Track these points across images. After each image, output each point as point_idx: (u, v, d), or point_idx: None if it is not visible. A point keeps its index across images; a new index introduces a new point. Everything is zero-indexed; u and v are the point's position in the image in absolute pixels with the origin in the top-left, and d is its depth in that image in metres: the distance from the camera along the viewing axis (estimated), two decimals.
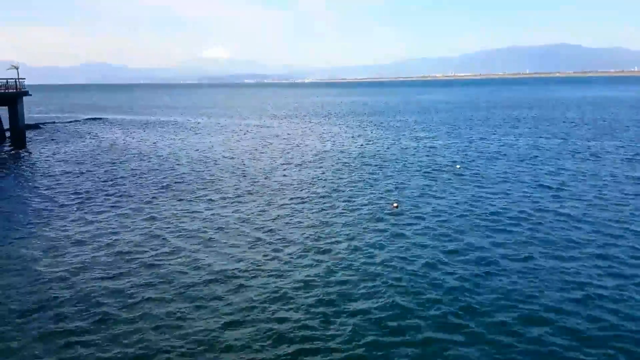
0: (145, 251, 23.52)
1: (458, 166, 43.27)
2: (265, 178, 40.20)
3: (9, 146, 62.04)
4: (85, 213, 30.39)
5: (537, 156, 47.63)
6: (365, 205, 31.17)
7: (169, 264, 21.91)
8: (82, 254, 23.28)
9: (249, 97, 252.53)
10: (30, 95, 68.90)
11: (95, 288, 19.54)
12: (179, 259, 22.44)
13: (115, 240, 25.20)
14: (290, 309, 17.70)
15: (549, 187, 34.60)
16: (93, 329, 16.42)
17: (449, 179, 38.19)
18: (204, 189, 36.53)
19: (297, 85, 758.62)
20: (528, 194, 32.83)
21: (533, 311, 17.15)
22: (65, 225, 27.82)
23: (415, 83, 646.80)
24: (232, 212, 30.01)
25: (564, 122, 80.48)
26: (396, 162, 46.21)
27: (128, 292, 19.21)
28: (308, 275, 20.42)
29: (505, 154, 49.14)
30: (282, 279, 20.14)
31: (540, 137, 62.02)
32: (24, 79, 67.09)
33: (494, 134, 66.57)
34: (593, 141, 56.72)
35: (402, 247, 23.44)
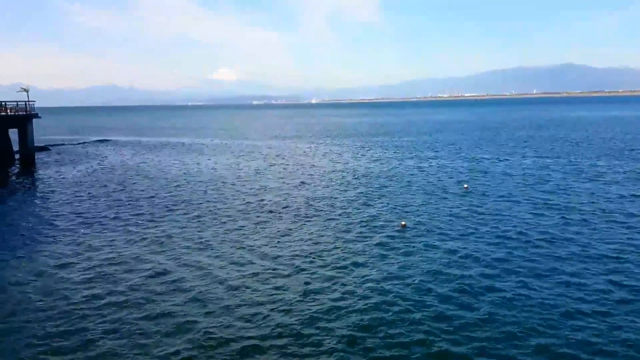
0: (151, 275, 23.46)
1: (465, 185, 43.12)
2: (272, 198, 40.17)
3: (18, 167, 62.45)
4: (93, 235, 30.40)
5: (544, 176, 47.45)
6: (374, 223, 31.07)
7: (176, 289, 21.82)
8: (87, 276, 23.23)
9: (255, 118, 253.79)
10: (40, 117, 69.51)
11: (96, 313, 19.48)
12: (185, 284, 22.37)
13: (121, 262, 25.16)
14: (303, 323, 17.56)
15: (556, 208, 34.38)
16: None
17: (456, 199, 38.07)
18: (210, 208, 36.51)
19: (304, 106, 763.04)
20: (535, 214, 32.63)
21: (540, 327, 16.96)
22: (72, 248, 27.81)
23: (423, 103, 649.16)
24: (239, 232, 29.94)
25: (570, 142, 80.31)
26: (403, 181, 46.15)
27: (130, 320, 19.14)
28: (317, 294, 20.28)
29: (512, 174, 49.00)
30: (290, 294, 20.01)
31: (547, 157, 61.86)
32: (34, 101, 67.84)
33: (501, 153, 66.45)
34: (599, 161, 56.51)
35: (410, 266, 23.27)
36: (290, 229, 30.54)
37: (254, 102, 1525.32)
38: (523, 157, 62.10)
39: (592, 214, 32.35)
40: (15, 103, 65.43)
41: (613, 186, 41.44)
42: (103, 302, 20.13)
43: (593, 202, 35.56)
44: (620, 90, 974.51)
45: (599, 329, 16.98)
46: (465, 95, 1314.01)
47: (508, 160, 59.56)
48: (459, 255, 24.79)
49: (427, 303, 19.32)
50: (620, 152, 64.32)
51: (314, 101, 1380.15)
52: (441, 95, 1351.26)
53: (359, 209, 35.61)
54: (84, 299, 20.41)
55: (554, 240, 26.78)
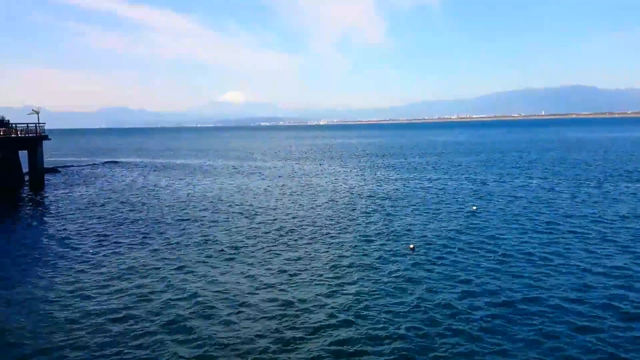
0: (161, 292, 23.34)
1: (474, 207, 42.87)
2: (280, 220, 40.06)
3: (28, 189, 62.70)
4: (101, 257, 30.37)
5: (551, 198, 47.10)
6: (382, 247, 30.86)
7: (185, 309, 21.68)
8: (96, 296, 23.16)
9: (263, 139, 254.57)
10: (50, 139, 69.94)
11: (106, 332, 19.34)
12: (195, 303, 22.22)
13: (129, 283, 25.07)
14: (310, 348, 17.33)
15: (564, 230, 34.11)
16: None
17: (465, 221, 37.78)
18: (217, 230, 36.43)
19: (312, 127, 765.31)
20: (543, 236, 32.37)
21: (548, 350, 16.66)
22: (81, 269, 27.77)
23: (430, 125, 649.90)
24: (248, 253, 29.84)
25: (578, 163, 79.88)
26: (412, 203, 45.92)
27: (143, 337, 18.97)
28: (324, 316, 20.08)
29: (520, 196, 48.66)
30: (299, 319, 19.81)
31: (555, 178, 61.46)
32: (44, 123, 68.33)
33: (508, 175, 66.09)
34: (607, 183, 56.10)
35: (420, 289, 23.05)
36: (297, 253, 30.36)
37: (262, 124, 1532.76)
38: (530, 178, 61.69)
39: (599, 236, 32.04)
40: (26, 125, 65.96)
41: (618, 207, 41.07)
42: (108, 317, 20.07)
43: (599, 224, 35.22)
44: (629, 112, 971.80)
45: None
46: (473, 116, 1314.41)
47: (516, 181, 59.16)
48: (468, 279, 24.53)
49: (438, 332, 19.08)
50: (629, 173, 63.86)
51: (322, 122, 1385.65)
52: (449, 117, 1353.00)
53: (366, 231, 35.39)
54: (91, 317, 20.35)
55: (564, 264, 26.47)
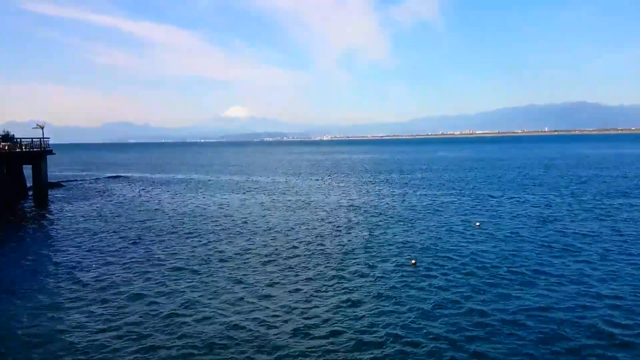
0: (163, 305, 23.33)
1: (477, 223, 42.80)
2: (280, 236, 40.08)
3: (31, 204, 62.89)
4: (102, 270, 30.43)
5: (555, 214, 47.03)
6: (384, 262, 30.82)
7: (190, 323, 21.66)
8: (98, 311, 23.18)
9: (266, 154, 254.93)
10: (54, 154, 70.29)
11: (106, 348, 19.32)
12: (197, 316, 22.20)
13: (129, 297, 25.10)
14: None
15: (565, 247, 34.07)
16: None
17: (467, 236, 37.73)
18: (218, 245, 36.47)
19: (316, 142, 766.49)
20: (545, 253, 32.32)
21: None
22: (80, 282, 27.85)
23: (434, 140, 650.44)
24: (249, 268, 29.85)
25: (581, 180, 79.76)
26: (413, 218, 45.86)
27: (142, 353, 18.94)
28: (326, 332, 20.04)
29: (523, 212, 48.59)
30: (301, 334, 19.77)
31: (558, 195, 61.36)
32: (49, 138, 68.74)
33: (512, 191, 65.97)
34: (609, 199, 56.00)
35: (420, 305, 22.99)
36: (297, 269, 30.35)
37: (266, 139, 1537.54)
38: (534, 194, 61.60)
39: (603, 252, 31.97)
40: (30, 140, 66.37)
41: (620, 224, 40.97)
42: (110, 334, 20.05)
43: (600, 241, 35.14)
44: (633, 128, 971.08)
45: None
46: (477, 132, 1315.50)
47: (520, 197, 59.07)
48: (470, 295, 24.48)
49: (440, 348, 19.02)
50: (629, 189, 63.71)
51: (325, 138, 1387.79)
52: (453, 133, 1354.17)
53: (368, 246, 35.37)
54: (90, 333, 20.34)
55: (566, 281, 26.40)
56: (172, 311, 23.03)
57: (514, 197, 59.26)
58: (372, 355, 18.30)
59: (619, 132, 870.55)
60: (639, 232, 38.05)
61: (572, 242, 34.97)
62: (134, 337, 20.28)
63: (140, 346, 19.43)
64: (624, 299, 23.33)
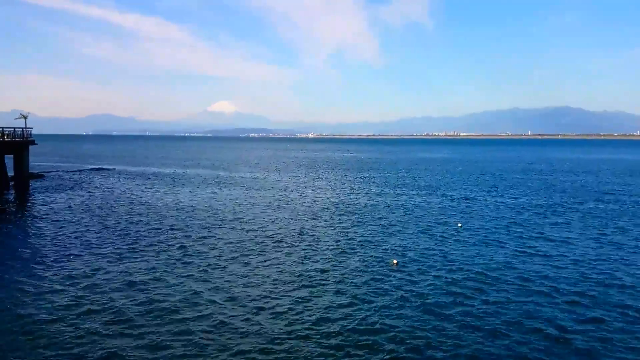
0: (141, 301, 23.28)
1: (460, 224, 43.12)
2: (260, 233, 40.07)
3: (12, 193, 62.22)
4: (80, 263, 30.21)
5: (537, 216, 47.54)
6: (365, 262, 30.95)
7: (166, 319, 21.65)
8: (70, 302, 23.07)
9: (250, 150, 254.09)
10: (36, 144, 69.59)
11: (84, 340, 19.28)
12: (174, 305, 22.20)
13: (105, 289, 24.99)
14: None
15: (544, 251, 34.49)
16: None
17: (449, 237, 38.00)
18: (197, 239, 36.41)
19: (301, 140, 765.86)
20: (525, 255, 32.70)
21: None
22: (58, 274, 27.62)
23: (419, 141, 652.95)
24: (229, 265, 29.83)
25: (561, 183, 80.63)
26: (396, 218, 46.07)
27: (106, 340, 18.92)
28: (304, 334, 20.14)
29: (505, 214, 49.05)
30: (278, 336, 19.85)
31: (539, 197, 62.00)
32: (31, 128, 68.03)
33: (495, 192, 66.52)
34: (589, 203, 56.72)
35: (402, 306, 23.15)
36: (277, 267, 30.40)
37: (252, 135, 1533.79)
38: (516, 197, 62.17)
39: (580, 256, 32.42)
40: (13, 129, 65.63)
41: (591, 228, 41.58)
42: (84, 327, 19.97)
43: (579, 245, 35.64)
44: (616, 134, 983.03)
45: None
46: (461, 134, 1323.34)
47: (502, 199, 59.60)
48: (451, 296, 24.71)
49: (419, 348, 19.20)
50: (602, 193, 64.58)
51: (311, 135, 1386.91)
52: (437, 134, 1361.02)
53: (350, 245, 35.49)
54: (66, 325, 20.25)
55: (545, 282, 26.73)
56: (150, 299, 23.00)
57: (496, 199, 59.73)
58: (346, 352, 18.44)
59: (601, 137, 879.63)
60: (609, 236, 38.65)
61: (549, 245, 35.42)
62: (114, 326, 20.23)
63: (120, 341, 19.39)
64: (595, 299, 23.71)
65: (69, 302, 23.36)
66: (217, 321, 21.28)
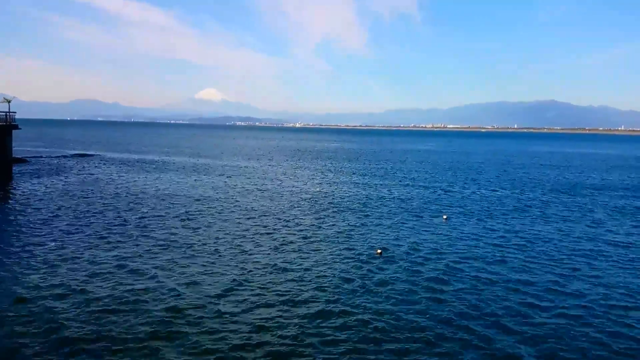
0: (122, 286, 23.22)
1: (445, 217, 43.37)
2: (247, 220, 40.09)
3: None
4: (61, 248, 30.06)
5: (521, 208, 48.06)
6: (350, 251, 31.08)
7: (146, 302, 21.61)
8: (49, 288, 22.96)
9: (236, 139, 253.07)
10: (20, 128, 68.75)
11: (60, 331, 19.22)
12: (156, 294, 22.16)
13: (89, 278, 24.89)
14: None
15: (524, 240, 34.90)
16: None
17: (434, 229, 38.26)
18: (178, 227, 36.37)
19: (288, 129, 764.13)
20: (509, 246, 33.06)
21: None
22: (39, 259, 27.47)
23: (406, 132, 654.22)
24: (208, 249, 29.84)
25: (543, 177, 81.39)
26: (381, 209, 46.26)
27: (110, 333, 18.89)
28: (287, 322, 20.21)
29: (490, 207, 49.50)
30: (262, 325, 19.91)
31: (521, 190, 62.57)
32: (15, 112, 67.08)
33: (480, 185, 67.01)
34: (568, 195, 57.36)
35: (385, 294, 23.30)
36: (261, 256, 30.44)
37: (238, 123, 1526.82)
38: (501, 189, 62.71)
39: (561, 250, 32.83)
40: None
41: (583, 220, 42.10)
42: (66, 314, 19.90)
43: (564, 237, 36.08)
44: (600, 129, 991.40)
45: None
46: (448, 126, 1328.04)
47: (486, 191, 60.08)
48: (433, 286, 24.90)
49: (399, 333, 19.35)
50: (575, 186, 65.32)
51: (298, 125, 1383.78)
52: (424, 126, 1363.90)
53: (334, 234, 35.61)
54: (46, 309, 20.18)
55: (525, 272, 27.06)
56: (130, 286, 22.95)
57: (480, 191, 60.19)
58: (329, 340, 18.54)
59: (586, 132, 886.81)
60: (583, 228, 39.18)
61: (532, 234, 35.86)
62: (96, 314, 20.18)
63: (99, 326, 19.36)
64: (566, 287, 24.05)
65: (42, 284, 23.25)
66: (193, 306, 21.32)
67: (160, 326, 19.48)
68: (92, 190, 54.15)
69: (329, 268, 27.43)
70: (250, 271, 26.62)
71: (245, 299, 22.48)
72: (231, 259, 28.93)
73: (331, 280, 25.31)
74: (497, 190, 61.87)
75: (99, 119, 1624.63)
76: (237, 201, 49.40)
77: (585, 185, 69.94)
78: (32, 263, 27.06)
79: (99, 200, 47.54)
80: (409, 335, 19.19)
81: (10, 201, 46.56)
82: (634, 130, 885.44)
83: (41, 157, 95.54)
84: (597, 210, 48.63)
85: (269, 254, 30.23)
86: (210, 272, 26.38)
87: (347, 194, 55.83)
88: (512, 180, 74.12)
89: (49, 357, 16.94)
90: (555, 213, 46.49)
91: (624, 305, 22.82)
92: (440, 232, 37.06)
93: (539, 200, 54.00)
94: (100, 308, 21.06)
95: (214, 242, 32.58)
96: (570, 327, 20.34)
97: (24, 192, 51.71)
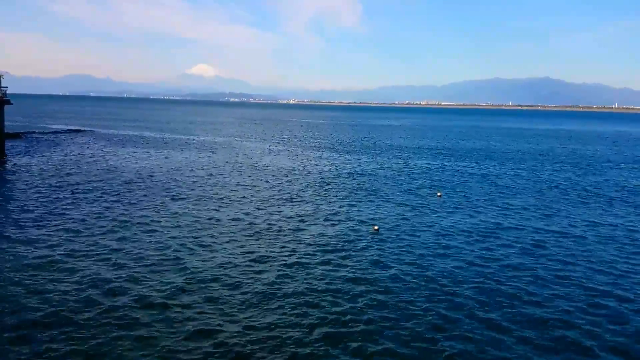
0: (105, 265, 23.19)
1: (439, 194, 43.43)
2: (242, 197, 40.08)
3: None
4: (55, 224, 29.98)
5: (512, 186, 48.23)
6: (347, 227, 31.18)
7: (128, 281, 21.61)
8: (41, 262, 22.92)
9: (229, 115, 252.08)
10: (12, 104, 68.08)
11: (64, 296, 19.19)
12: (144, 268, 22.15)
13: (78, 253, 24.85)
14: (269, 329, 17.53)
15: (515, 214, 35.07)
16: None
17: (429, 205, 38.40)
18: (170, 203, 36.32)
19: (282, 105, 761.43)
20: (503, 227, 33.20)
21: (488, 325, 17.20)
22: (36, 237, 27.39)
23: (400, 109, 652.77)
24: (210, 227, 29.84)
25: (532, 154, 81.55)
26: (377, 185, 46.34)
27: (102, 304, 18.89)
28: (285, 300, 20.27)
29: (484, 183, 49.64)
30: (260, 300, 19.96)
31: (516, 167, 62.74)
32: (7, 87, 66.30)
33: (473, 162, 67.14)
34: (566, 173, 57.55)
35: (382, 270, 23.39)
36: (260, 233, 30.47)
37: (232, 99, 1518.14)
38: (493, 166, 62.88)
39: (555, 229, 33.01)
40: None
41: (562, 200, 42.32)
42: (55, 288, 19.87)
43: (555, 214, 36.28)
44: (594, 107, 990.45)
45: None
46: (442, 103, 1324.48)
47: (481, 168, 60.22)
48: (429, 261, 25.02)
49: (392, 307, 19.44)
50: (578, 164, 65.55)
51: (292, 101, 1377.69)
52: (419, 103, 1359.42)
53: (331, 211, 35.65)
54: (37, 287, 20.14)
55: (520, 250, 27.24)
56: (120, 264, 22.95)
57: (475, 168, 60.31)
58: (330, 318, 18.61)
59: (580, 109, 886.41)
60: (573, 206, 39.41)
61: (523, 211, 36.07)
62: (78, 290, 20.17)
63: (87, 304, 19.37)
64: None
65: (34, 262, 23.20)
66: (194, 281, 21.35)
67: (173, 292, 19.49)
68: (86, 166, 53.92)
69: (328, 241, 27.54)
70: (247, 246, 26.66)
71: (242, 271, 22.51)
72: (238, 228, 28.92)
73: (328, 257, 25.37)
74: (489, 168, 61.97)
75: (91, 94, 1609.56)
76: (232, 177, 49.29)
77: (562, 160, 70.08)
78: (15, 238, 26.96)
79: (88, 177, 47.31)
80: (402, 316, 19.28)
81: (5, 177, 46.23)
82: (627, 108, 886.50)
83: (34, 132, 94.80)
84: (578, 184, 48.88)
85: (266, 228, 30.24)
86: (219, 243, 26.39)
87: (345, 171, 55.79)
88: (506, 159, 74.17)
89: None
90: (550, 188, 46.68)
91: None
92: (436, 209, 37.20)
93: (534, 179, 54.13)
94: (76, 284, 21.05)
95: (218, 216, 32.55)
96: (565, 288, 20.49)
97: (18, 168, 51.39)
